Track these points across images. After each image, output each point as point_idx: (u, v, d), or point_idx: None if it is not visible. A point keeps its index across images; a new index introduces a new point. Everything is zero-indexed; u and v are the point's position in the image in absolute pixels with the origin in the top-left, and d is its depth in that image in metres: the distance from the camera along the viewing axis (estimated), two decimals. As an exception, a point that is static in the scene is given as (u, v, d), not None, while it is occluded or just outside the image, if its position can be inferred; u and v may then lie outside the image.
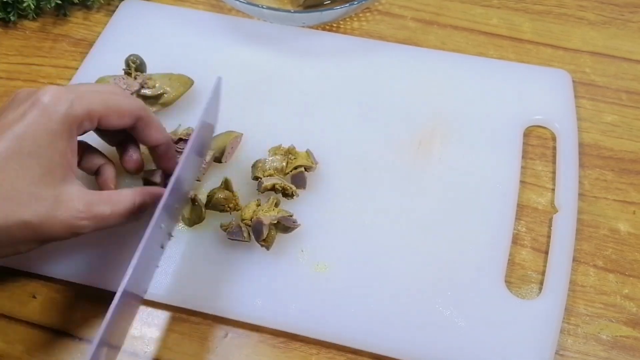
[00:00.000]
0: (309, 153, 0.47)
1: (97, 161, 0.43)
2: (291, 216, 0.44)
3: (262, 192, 0.45)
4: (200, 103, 0.52)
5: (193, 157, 0.42)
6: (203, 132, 0.43)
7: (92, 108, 0.37)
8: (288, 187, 0.44)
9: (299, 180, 0.46)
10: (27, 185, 0.34)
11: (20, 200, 0.34)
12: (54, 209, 0.35)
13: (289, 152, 0.47)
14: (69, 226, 0.36)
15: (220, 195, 0.44)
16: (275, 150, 0.47)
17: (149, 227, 0.36)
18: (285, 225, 0.43)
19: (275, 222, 0.43)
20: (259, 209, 0.44)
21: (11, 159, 0.34)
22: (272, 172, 0.46)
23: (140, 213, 0.40)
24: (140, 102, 0.41)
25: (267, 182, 0.44)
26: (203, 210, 0.45)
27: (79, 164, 0.41)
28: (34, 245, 0.37)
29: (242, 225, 0.43)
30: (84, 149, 0.42)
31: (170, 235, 0.43)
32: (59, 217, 0.35)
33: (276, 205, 0.44)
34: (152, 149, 0.43)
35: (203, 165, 0.46)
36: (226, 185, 0.45)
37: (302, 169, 0.46)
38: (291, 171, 0.46)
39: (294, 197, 0.45)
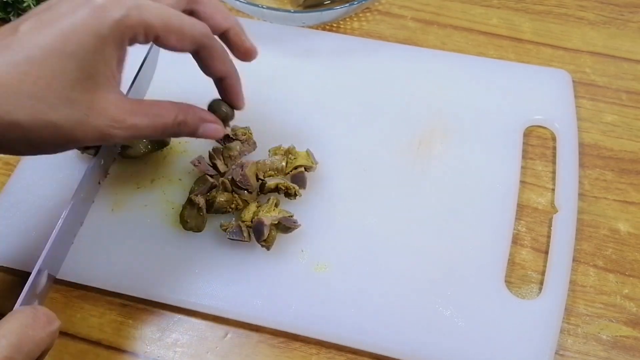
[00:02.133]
0: (309, 153, 0.47)
1: (220, 70, 0.40)
2: (291, 216, 0.44)
3: (265, 193, 0.45)
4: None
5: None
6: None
7: (150, 22, 0.34)
8: (291, 187, 0.44)
9: (299, 180, 0.46)
10: (63, 87, 0.32)
11: (53, 102, 0.32)
12: (88, 115, 0.33)
13: (289, 152, 0.47)
14: (101, 133, 0.34)
15: (221, 198, 0.44)
16: (275, 150, 0.47)
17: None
18: (285, 226, 0.43)
19: (276, 222, 0.43)
20: (259, 210, 0.44)
21: (51, 56, 0.31)
22: (272, 172, 0.46)
23: (178, 132, 0.38)
24: (205, 27, 0.37)
25: (270, 182, 0.44)
26: (205, 219, 0.45)
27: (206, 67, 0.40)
28: (60, 150, 0.35)
29: (242, 225, 0.43)
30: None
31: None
32: (93, 123, 0.33)
33: (276, 205, 0.44)
34: (217, 81, 0.41)
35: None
36: (224, 187, 0.45)
37: (302, 169, 0.46)
38: (291, 171, 0.46)
39: (297, 197, 0.45)
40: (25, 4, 0.58)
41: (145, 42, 0.35)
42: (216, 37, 0.39)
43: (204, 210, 0.44)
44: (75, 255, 0.44)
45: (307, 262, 0.44)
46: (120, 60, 0.35)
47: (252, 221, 0.43)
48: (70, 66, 0.32)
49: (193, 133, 0.39)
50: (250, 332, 0.43)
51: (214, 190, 0.45)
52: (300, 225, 0.44)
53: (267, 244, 0.43)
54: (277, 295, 0.43)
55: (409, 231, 0.46)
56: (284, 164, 0.46)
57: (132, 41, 0.35)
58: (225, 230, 0.44)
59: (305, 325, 0.42)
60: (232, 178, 0.45)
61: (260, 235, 0.42)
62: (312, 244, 0.45)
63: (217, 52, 0.38)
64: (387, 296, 0.43)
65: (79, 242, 0.45)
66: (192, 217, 0.45)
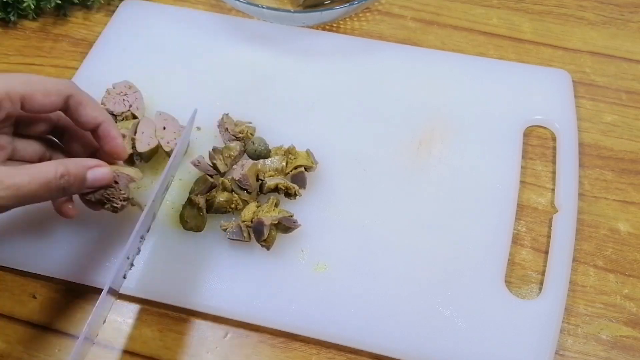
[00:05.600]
0: (309, 153, 0.47)
1: (94, 117, 0.40)
2: (291, 216, 0.44)
3: (265, 193, 0.45)
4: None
5: (165, 182, 0.42)
6: (179, 158, 0.44)
7: (11, 87, 0.35)
8: (291, 187, 0.44)
9: (299, 180, 0.46)
10: None
11: None
12: None
13: (289, 152, 0.47)
14: None
15: (221, 198, 0.44)
16: (275, 151, 0.47)
17: (128, 243, 0.37)
18: (286, 226, 0.43)
19: (276, 222, 0.43)
20: (259, 210, 0.44)
21: None
22: (272, 172, 0.46)
23: (67, 186, 0.37)
24: (68, 80, 0.38)
25: (270, 182, 0.44)
26: (205, 219, 0.45)
27: (77, 120, 0.40)
28: None
29: (242, 225, 0.43)
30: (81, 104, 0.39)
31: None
32: None
33: (276, 205, 0.44)
34: (94, 132, 0.40)
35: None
36: (224, 187, 0.45)
37: (302, 168, 0.46)
38: (291, 171, 0.46)
39: (297, 197, 0.45)
40: (25, 4, 0.58)
41: (14, 110, 0.36)
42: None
43: (204, 210, 0.44)
44: (74, 255, 0.44)
45: (307, 262, 0.44)
46: None
47: (252, 221, 0.43)
48: None
49: (81, 184, 0.37)
50: (250, 332, 0.43)
51: (213, 190, 0.45)
52: (300, 225, 0.44)
53: (267, 243, 0.43)
54: (277, 295, 0.43)
55: (408, 231, 0.46)
56: (284, 164, 0.46)
57: (1, 112, 0.35)
58: (225, 230, 0.44)
59: (305, 325, 0.42)
60: (233, 178, 0.45)
61: (260, 235, 0.42)
62: (312, 244, 0.45)
63: (86, 98, 0.39)
64: (387, 296, 0.43)
65: (78, 241, 0.45)
66: (192, 217, 0.45)
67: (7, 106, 0.35)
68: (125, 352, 0.42)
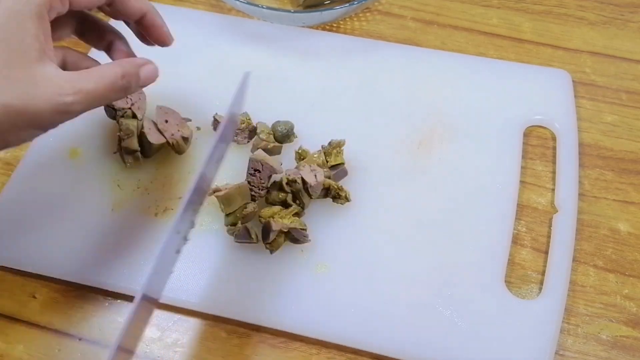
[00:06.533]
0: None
1: (106, 35, 0.42)
2: (304, 229, 0.43)
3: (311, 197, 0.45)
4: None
5: (219, 149, 0.40)
6: (230, 125, 0.42)
7: None
8: (343, 190, 0.45)
9: (341, 174, 0.47)
10: (0, 68, 0.33)
11: None
12: (33, 87, 0.34)
13: (338, 145, 0.47)
14: (56, 104, 0.34)
15: (276, 197, 0.44)
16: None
17: (168, 232, 0.34)
18: (294, 237, 0.43)
19: (286, 230, 0.42)
20: (278, 212, 0.43)
21: None
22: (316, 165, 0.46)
23: (128, 86, 0.38)
24: None
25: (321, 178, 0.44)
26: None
27: (85, 37, 0.42)
28: (25, 134, 0.35)
29: (248, 226, 0.43)
30: (87, 20, 0.41)
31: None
32: (42, 95, 0.34)
33: (297, 215, 0.44)
34: (138, 23, 0.41)
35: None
36: (280, 187, 0.45)
37: (343, 165, 0.47)
38: (331, 167, 0.46)
39: (344, 202, 0.45)
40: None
41: (63, 8, 0.36)
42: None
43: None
44: (74, 255, 0.44)
45: (308, 262, 0.44)
46: (46, 33, 0.35)
47: (261, 220, 0.43)
48: (0, 48, 0.33)
49: (137, 82, 0.39)
50: (251, 332, 0.43)
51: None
52: (309, 240, 0.44)
53: (271, 247, 0.43)
54: (277, 295, 0.43)
55: (409, 231, 0.46)
56: (323, 157, 0.46)
57: (52, 11, 0.36)
58: (232, 234, 0.44)
59: (305, 325, 0.42)
60: (303, 178, 0.44)
61: (266, 236, 0.42)
62: (313, 244, 0.45)
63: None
64: (387, 296, 0.43)
65: (78, 241, 0.45)
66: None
67: (58, 6, 0.36)
68: (125, 352, 0.42)
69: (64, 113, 0.35)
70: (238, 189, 0.43)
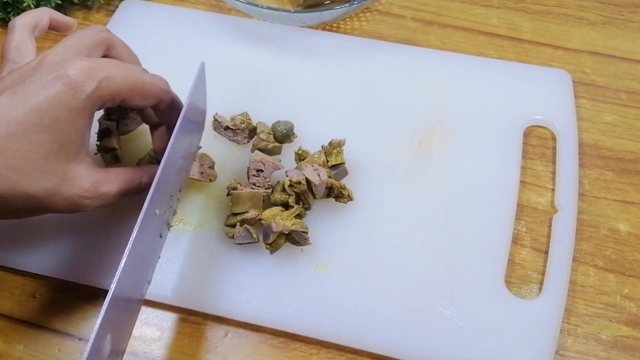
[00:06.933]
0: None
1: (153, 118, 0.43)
2: (305, 232, 0.43)
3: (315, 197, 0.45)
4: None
5: (183, 138, 0.41)
6: (191, 114, 0.42)
7: (119, 90, 0.36)
8: (345, 189, 0.45)
9: (341, 174, 0.46)
10: (39, 159, 0.34)
11: (29, 174, 0.33)
12: (61, 185, 0.35)
13: (338, 145, 0.47)
14: (72, 203, 0.35)
15: (279, 197, 0.44)
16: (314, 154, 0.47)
17: (140, 215, 0.34)
18: (295, 239, 0.43)
19: (287, 232, 0.42)
20: (279, 214, 0.43)
21: (29, 130, 0.33)
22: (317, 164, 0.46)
23: (144, 189, 0.39)
24: (164, 83, 0.40)
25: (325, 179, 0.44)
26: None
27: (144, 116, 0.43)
28: (35, 214, 0.36)
29: (249, 228, 0.43)
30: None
31: (169, 224, 0.41)
32: (64, 194, 0.35)
33: (299, 216, 0.44)
34: (169, 129, 0.42)
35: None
36: (282, 188, 0.44)
37: (344, 165, 0.47)
38: (333, 166, 0.46)
39: (347, 201, 0.45)
40: (25, 4, 0.58)
41: (113, 105, 0.37)
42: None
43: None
44: (75, 255, 0.44)
45: (308, 262, 0.44)
46: (89, 127, 0.36)
47: (267, 220, 0.43)
48: (46, 139, 0.34)
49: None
50: (250, 332, 0.43)
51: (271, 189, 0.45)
52: (310, 243, 0.43)
53: (271, 248, 0.43)
54: (277, 295, 0.43)
55: (408, 231, 0.46)
56: (324, 157, 0.46)
57: (102, 107, 0.36)
58: (232, 237, 0.43)
59: (305, 325, 0.42)
60: (307, 179, 0.44)
61: (266, 237, 0.42)
62: (312, 244, 0.45)
63: (175, 104, 0.41)
64: (387, 296, 0.43)
65: (78, 241, 0.45)
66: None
67: (108, 105, 0.37)
68: (125, 351, 0.42)
69: (76, 210, 0.36)
70: (252, 195, 0.44)
